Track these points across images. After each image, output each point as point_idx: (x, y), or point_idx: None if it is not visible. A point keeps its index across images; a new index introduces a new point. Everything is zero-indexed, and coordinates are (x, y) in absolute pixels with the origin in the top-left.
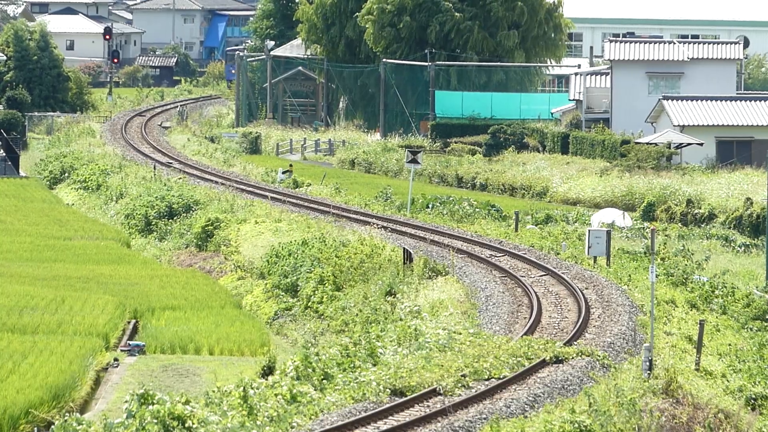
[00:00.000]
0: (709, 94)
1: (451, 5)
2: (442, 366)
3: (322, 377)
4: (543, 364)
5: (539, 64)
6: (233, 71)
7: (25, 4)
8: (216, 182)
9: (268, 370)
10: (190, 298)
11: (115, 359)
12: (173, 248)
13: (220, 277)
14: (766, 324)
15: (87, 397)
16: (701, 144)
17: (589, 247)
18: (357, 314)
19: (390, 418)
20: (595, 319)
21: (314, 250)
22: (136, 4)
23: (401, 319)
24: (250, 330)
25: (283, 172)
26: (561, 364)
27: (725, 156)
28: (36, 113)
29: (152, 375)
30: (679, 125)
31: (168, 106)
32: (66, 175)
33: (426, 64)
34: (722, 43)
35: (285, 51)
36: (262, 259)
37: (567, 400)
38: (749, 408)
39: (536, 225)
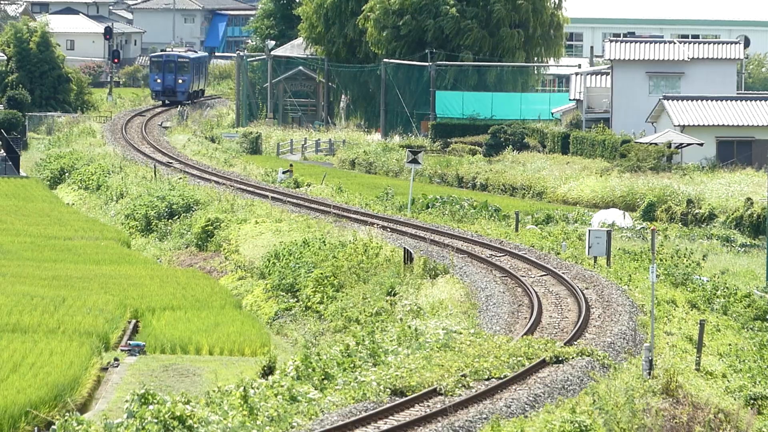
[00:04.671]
0: (709, 94)
1: (451, 6)
2: (443, 366)
3: (323, 377)
4: (543, 363)
5: (539, 64)
6: (158, 80)
7: (25, 3)
8: (216, 182)
9: (268, 370)
10: (190, 298)
11: (116, 359)
12: (173, 248)
13: (221, 277)
14: (766, 324)
15: (87, 396)
16: (701, 144)
17: (589, 247)
18: (360, 313)
19: (390, 417)
20: (595, 319)
21: (312, 252)
22: (136, 4)
23: (401, 319)
24: (251, 330)
25: (284, 172)
26: (561, 364)
27: (725, 156)
28: (36, 113)
29: (152, 375)
30: (679, 125)
31: (168, 106)
32: (66, 175)
33: (426, 64)
34: (723, 42)
35: (285, 51)
36: (263, 259)
37: (567, 400)
38: (749, 408)
39: (536, 225)
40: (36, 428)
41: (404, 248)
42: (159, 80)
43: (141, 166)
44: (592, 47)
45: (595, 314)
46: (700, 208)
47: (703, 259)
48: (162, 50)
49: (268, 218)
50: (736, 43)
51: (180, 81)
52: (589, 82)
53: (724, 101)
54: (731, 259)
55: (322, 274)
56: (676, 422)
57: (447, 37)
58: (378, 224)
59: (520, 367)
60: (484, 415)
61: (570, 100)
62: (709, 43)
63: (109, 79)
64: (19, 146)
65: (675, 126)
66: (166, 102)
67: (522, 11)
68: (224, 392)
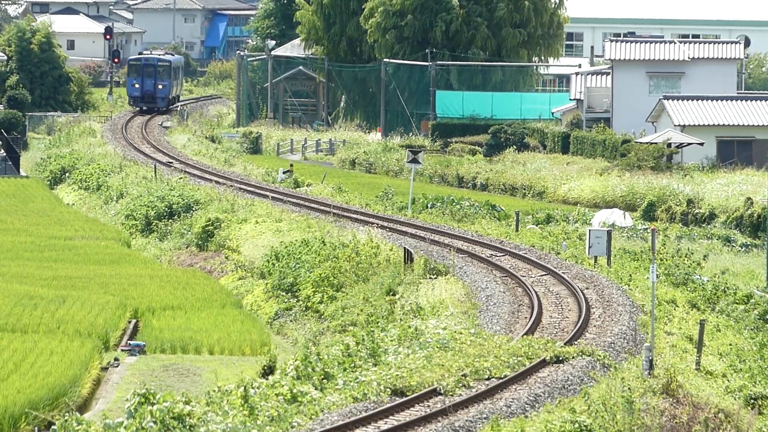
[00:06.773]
0: (709, 94)
1: (457, 5)
2: (443, 366)
3: (323, 377)
4: (543, 363)
5: (540, 64)
6: (136, 85)
7: (25, 3)
8: (217, 182)
9: (268, 370)
10: (191, 298)
11: (116, 359)
12: (174, 248)
13: (221, 277)
14: (766, 324)
15: (87, 396)
16: (702, 144)
17: (589, 247)
18: (359, 313)
19: (390, 417)
20: (595, 318)
21: (312, 252)
22: (136, 4)
23: (401, 319)
24: (251, 330)
25: (284, 172)
26: (561, 364)
27: (726, 156)
28: (36, 113)
29: (153, 375)
30: (679, 125)
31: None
32: (66, 175)
33: (427, 63)
34: (723, 42)
35: (286, 50)
36: (263, 259)
37: (567, 400)
38: (749, 408)
39: (537, 225)
40: (36, 428)
41: (404, 248)
42: (137, 85)
43: (141, 166)
44: (592, 47)
45: (595, 314)
46: (701, 208)
47: (704, 259)
48: (140, 53)
49: (269, 218)
50: (736, 43)
51: (160, 86)
52: (589, 82)
53: (724, 101)
54: (731, 259)
55: (322, 274)
56: (676, 422)
57: (452, 36)
58: (378, 224)
59: (520, 366)
60: (484, 415)
61: (570, 100)
62: (709, 43)
63: (109, 79)
64: (19, 146)
65: (675, 126)
66: (144, 108)
67: (524, 11)
68: (224, 392)
